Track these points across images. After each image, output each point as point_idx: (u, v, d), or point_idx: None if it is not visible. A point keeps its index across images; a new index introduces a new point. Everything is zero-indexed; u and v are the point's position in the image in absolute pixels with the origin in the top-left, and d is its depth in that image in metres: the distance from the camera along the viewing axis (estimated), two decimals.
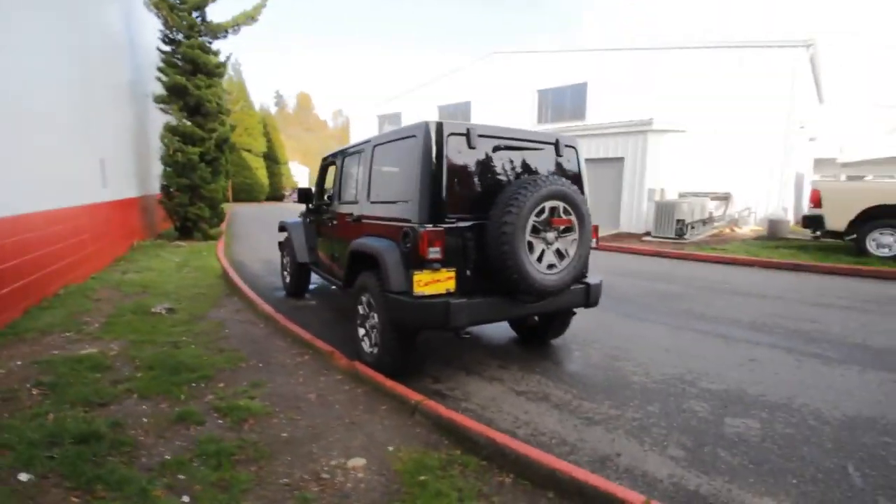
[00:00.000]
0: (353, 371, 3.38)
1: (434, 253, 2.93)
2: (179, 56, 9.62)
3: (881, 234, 7.87)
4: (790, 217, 15.43)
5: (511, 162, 3.33)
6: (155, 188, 10.55)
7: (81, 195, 6.40)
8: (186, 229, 10.47)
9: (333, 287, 5.56)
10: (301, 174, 46.88)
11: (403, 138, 3.25)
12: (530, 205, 2.91)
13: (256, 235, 12.99)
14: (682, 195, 14.98)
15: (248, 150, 30.50)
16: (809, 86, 16.69)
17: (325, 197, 5.43)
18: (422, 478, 2.19)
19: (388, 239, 3.27)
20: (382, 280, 3.15)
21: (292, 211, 23.19)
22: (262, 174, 31.52)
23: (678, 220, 12.01)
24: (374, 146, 3.67)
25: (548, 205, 3.04)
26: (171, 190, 9.86)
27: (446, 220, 2.99)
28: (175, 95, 9.59)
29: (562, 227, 3.14)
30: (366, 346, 3.59)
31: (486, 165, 3.20)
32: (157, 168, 10.23)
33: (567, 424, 2.84)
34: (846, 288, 6.68)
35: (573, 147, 3.64)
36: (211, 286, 6.42)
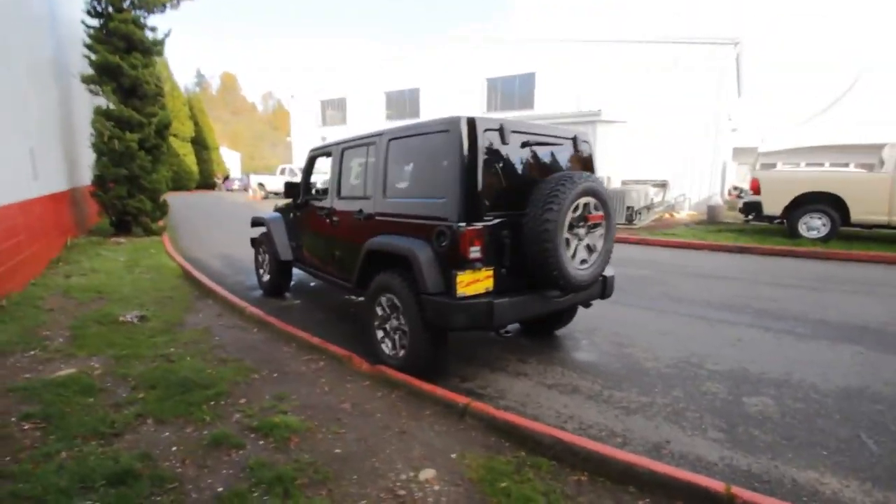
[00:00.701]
0: (380, 376, 3.24)
1: (475, 252, 2.86)
2: (110, 31, 8.52)
3: (811, 217, 8.81)
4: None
5: (537, 158, 3.31)
6: (85, 179, 9.39)
7: (13, 191, 5.54)
8: (124, 224, 9.46)
9: (324, 285, 5.29)
10: (232, 160, 43.90)
11: (431, 133, 3.11)
12: (569, 201, 2.92)
13: (204, 229, 12.05)
14: (624, 183, 15.83)
15: (174, 135, 28.07)
16: (733, 80, 18.18)
17: (314, 191, 5.13)
18: (502, 485, 2.16)
19: (417, 238, 3.14)
20: (415, 281, 3.03)
21: (232, 202, 21.81)
22: (190, 161, 29.16)
23: (628, 207, 12.67)
24: (390, 140, 3.48)
25: (581, 201, 3.07)
26: (107, 181, 8.82)
27: (484, 217, 2.93)
28: (107, 76, 8.50)
29: (593, 223, 3.18)
30: (386, 348, 3.45)
31: (516, 162, 3.16)
32: (88, 157, 9.09)
33: (608, 415, 2.92)
34: (791, 268, 7.42)
35: (587, 142, 3.68)
36: (175, 289, 5.87)
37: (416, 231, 3.18)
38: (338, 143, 4.30)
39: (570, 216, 2.99)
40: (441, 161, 3.02)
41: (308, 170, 4.93)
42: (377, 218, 3.57)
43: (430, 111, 21.23)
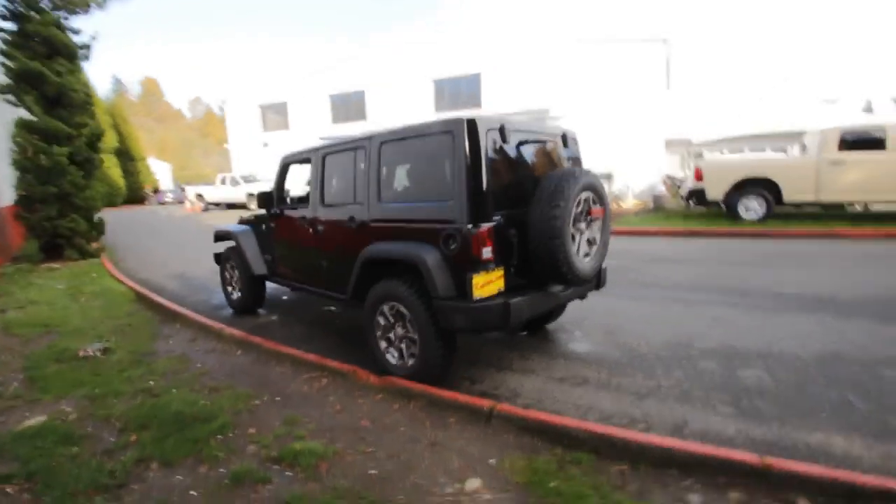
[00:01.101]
0: (392, 387, 3.13)
1: (487, 253, 2.83)
2: (29, 35, 7.62)
3: (749, 200, 9.56)
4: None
5: (533, 155, 3.33)
6: (5, 199, 8.37)
7: None
8: (56, 248, 8.54)
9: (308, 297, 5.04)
10: (162, 171, 40.98)
11: (431, 135, 3.04)
12: (573, 197, 2.96)
13: (145, 248, 11.17)
14: None
15: None
16: (664, 76, 19.36)
17: (288, 200, 4.88)
18: (551, 484, 2.15)
19: (421, 242, 3.06)
20: (424, 287, 2.95)
21: (169, 217, 20.35)
22: (115, 174, 26.94)
23: None
24: (382, 143, 3.37)
25: (583, 196, 3.12)
26: (34, 201, 7.91)
27: (492, 217, 2.91)
28: (27, 83, 7.61)
29: (593, 217, 3.25)
30: (392, 358, 3.35)
31: (516, 160, 3.17)
32: (8, 175, 8.11)
33: (623, 402, 3.00)
34: (739, 248, 8.01)
35: (575, 138, 3.76)
36: (132, 315, 5.39)
37: (418, 236, 3.10)
38: (316, 149, 4.10)
39: (574, 211, 3.03)
40: (444, 163, 2.96)
41: (281, 178, 4.67)
42: (372, 224, 3.44)
43: (377, 114, 20.95)
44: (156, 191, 35.27)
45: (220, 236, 5.62)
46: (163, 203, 32.99)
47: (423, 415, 2.85)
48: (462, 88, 19.37)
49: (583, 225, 3.22)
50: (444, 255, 2.94)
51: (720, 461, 2.17)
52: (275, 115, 24.20)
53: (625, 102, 16.76)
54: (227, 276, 5.52)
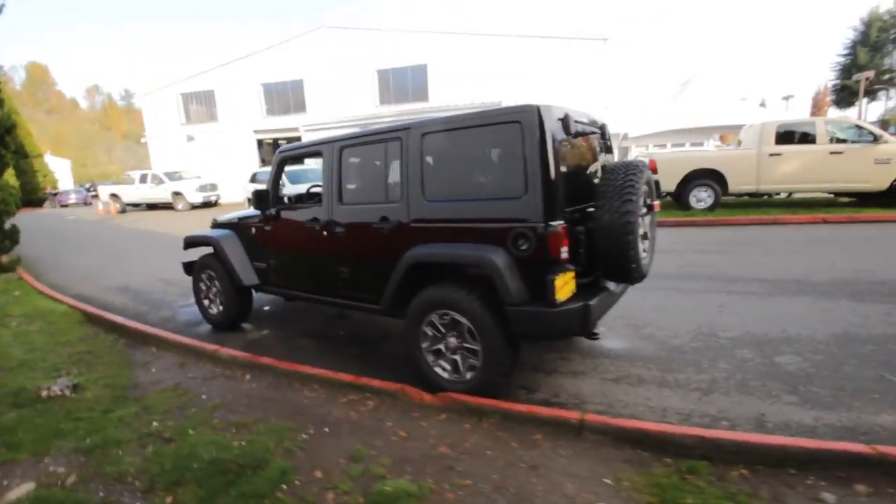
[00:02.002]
0: (454, 405, 2.84)
1: (565, 253, 2.63)
2: None
3: (698, 191, 10.22)
4: None
5: (586, 147, 3.18)
6: None
7: None
8: None
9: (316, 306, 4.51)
10: (61, 169, 36.12)
11: (492, 124, 2.76)
12: (641, 191, 2.84)
13: (66, 257, 9.71)
14: None
15: None
16: (602, 72, 20.24)
17: (286, 199, 4.35)
18: (688, 501, 2.01)
19: (484, 243, 2.79)
20: (496, 292, 2.69)
21: (80, 221, 17.89)
22: (8, 174, 23.25)
23: None
24: (424, 134, 3.03)
25: (644, 189, 3.02)
26: None
27: (563, 214, 2.71)
28: None
29: (651, 211, 3.16)
30: (444, 372, 3.05)
31: (576, 152, 2.99)
32: None
33: (691, 399, 2.96)
34: (699, 236, 8.50)
35: (607, 129, 3.66)
36: (87, 339, 4.56)
37: (478, 236, 2.83)
38: (330, 142, 3.64)
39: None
40: (510, 156, 2.71)
41: (277, 175, 4.13)
42: (413, 225, 3.10)
43: (317, 105, 19.90)
44: (55, 192, 31.04)
45: (192, 243, 4.91)
46: (65, 205, 29.17)
47: (503, 434, 2.60)
48: (408, 80, 18.93)
49: (645, 220, 3.12)
50: (514, 256, 2.70)
51: (834, 455, 2.16)
52: (200, 105, 22.15)
53: (569, 97, 17.29)
54: (203, 287, 4.84)
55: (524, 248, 2.67)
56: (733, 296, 4.96)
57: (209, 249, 4.69)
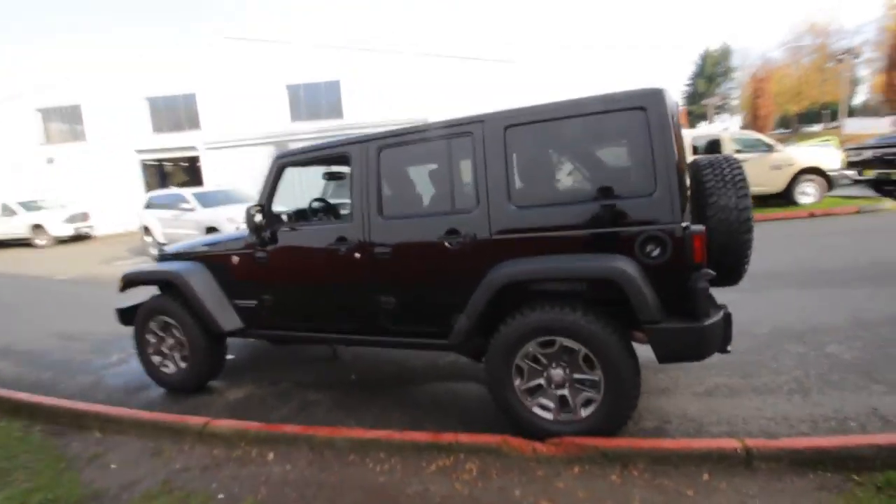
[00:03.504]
0: (582, 453, 2.30)
1: (703, 258, 2.28)
2: None
3: None
4: None
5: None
6: None
7: None
8: None
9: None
10: None
11: (604, 112, 2.34)
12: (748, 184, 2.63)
13: None
14: None
15: None
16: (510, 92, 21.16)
17: (284, 217, 3.46)
18: None
19: (603, 252, 2.34)
20: (634, 310, 2.24)
21: None
22: None
23: None
24: (508, 126, 2.50)
25: None
26: None
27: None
28: None
29: None
30: (544, 412, 2.51)
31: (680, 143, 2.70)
32: None
33: (797, 403, 2.79)
34: None
35: None
36: None
37: (591, 244, 2.37)
38: (360, 141, 2.91)
39: None
40: (637, 147, 2.31)
41: (273, 187, 3.24)
42: (498, 237, 2.53)
43: (215, 121, 17.84)
44: None
45: (133, 281, 3.72)
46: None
47: (667, 482, 2.13)
48: (321, 96, 17.88)
49: None
50: (643, 265, 2.28)
51: None
52: (63, 122, 18.56)
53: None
54: (153, 340, 3.67)
55: (655, 254, 2.27)
56: (735, 293, 5.01)
57: (159, 288, 3.57)
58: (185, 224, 10.88)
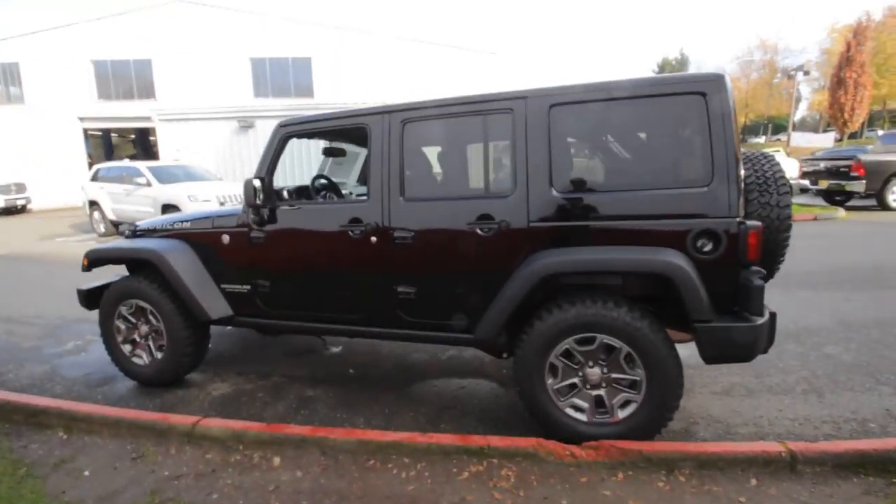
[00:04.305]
0: (624, 458, 2.18)
1: (757, 256, 2.20)
2: None
3: None
4: None
5: None
6: None
7: None
8: None
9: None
10: None
11: (657, 95, 2.19)
12: None
13: None
14: None
15: None
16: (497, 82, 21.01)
17: (287, 193, 3.13)
18: None
19: (650, 245, 2.21)
20: (685, 307, 2.12)
21: None
22: None
23: None
24: (553, 105, 2.31)
25: None
26: None
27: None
28: None
29: None
30: (578, 414, 2.37)
31: None
32: None
33: (813, 404, 2.81)
34: None
35: None
36: None
37: (637, 236, 2.24)
38: (381, 112, 2.62)
39: None
40: (693, 134, 2.18)
41: (275, 158, 2.90)
42: (536, 225, 2.35)
43: (172, 91, 16.58)
44: None
45: (99, 259, 3.27)
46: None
47: (715, 488, 2.04)
48: (290, 72, 17.00)
49: None
50: (695, 260, 2.17)
51: None
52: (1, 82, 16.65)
53: None
54: (123, 327, 3.24)
55: (708, 249, 2.16)
56: None
57: (129, 269, 3.15)
58: (138, 200, 10.03)
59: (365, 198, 2.69)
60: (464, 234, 2.47)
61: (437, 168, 2.72)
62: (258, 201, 2.79)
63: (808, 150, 19.00)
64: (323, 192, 3.41)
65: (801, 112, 52.87)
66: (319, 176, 3.48)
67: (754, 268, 2.23)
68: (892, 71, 32.70)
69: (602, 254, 2.24)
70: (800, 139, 31.75)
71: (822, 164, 11.69)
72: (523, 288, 2.31)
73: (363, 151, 4.19)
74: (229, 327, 3.83)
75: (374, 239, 2.63)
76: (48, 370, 3.56)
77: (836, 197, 11.53)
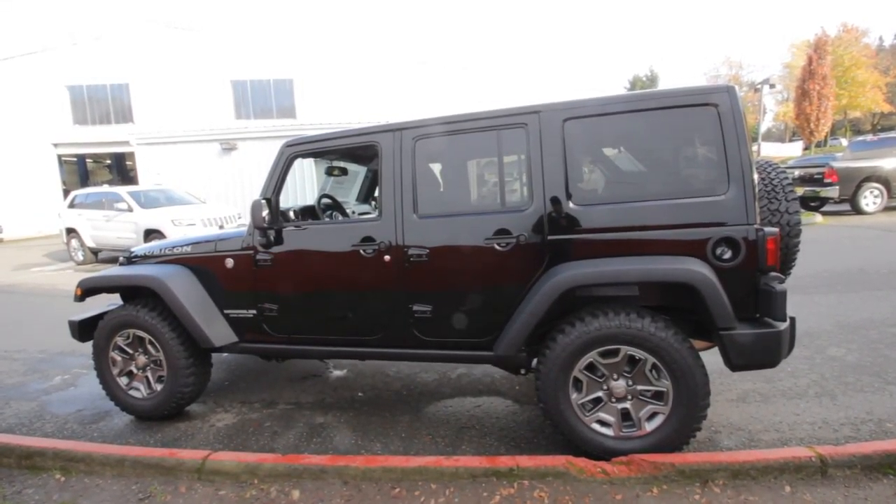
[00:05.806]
0: (656, 472, 2.14)
1: (776, 261, 2.23)
2: None
3: None
4: None
5: None
6: None
7: None
8: None
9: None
10: None
11: (675, 107, 2.23)
12: None
13: None
14: None
15: None
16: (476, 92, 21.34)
17: (293, 214, 3.05)
18: None
19: (668, 254, 2.22)
20: (710, 315, 2.12)
21: None
22: None
23: None
24: (567, 119, 2.32)
25: None
26: None
27: None
28: None
29: None
30: (603, 428, 2.33)
31: None
32: None
33: (828, 406, 2.84)
34: None
35: None
36: None
37: (656, 246, 2.24)
38: (392, 129, 2.60)
39: None
40: (707, 145, 2.22)
41: (281, 179, 2.83)
42: (554, 238, 2.34)
43: (150, 114, 16.33)
44: None
45: (94, 288, 3.13)
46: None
47: (752, 498, 2.01)
48: (271, 94, 16.96)
49: None
50: (715, 268, 2.18)
51: None
52: None
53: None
54: (119, 359, 3.09)
55: (727, 256, 2.18)
56: None
57: (122, 297, 3.02)
58: (120, 227, 9.74)
59: (377, 216, 2.65)
60: (481, 250, 2.44)
61: (450, 184, 2.70)
62: (265, 223, 2.72)
63: (780, 160, 19.73)
64: (329, 212, 3.36)
65: (766, 123, 55.10)
66: (325, 195, 3.42)
67: (773, 273, 2.26)
68: (850, 83, 34.41)
69: (625, 265, 2.23)
70: (769, 149, 32.93)
71: (797, 172, 12.12)
72: (545, 302, 2.28)
73: (363, 170, 4.17)
74: (226, 354, 3.70)
75: (387, 258, 2.58)
76: (36, 407, 3.36)
77: (810, 203, 11.93)
